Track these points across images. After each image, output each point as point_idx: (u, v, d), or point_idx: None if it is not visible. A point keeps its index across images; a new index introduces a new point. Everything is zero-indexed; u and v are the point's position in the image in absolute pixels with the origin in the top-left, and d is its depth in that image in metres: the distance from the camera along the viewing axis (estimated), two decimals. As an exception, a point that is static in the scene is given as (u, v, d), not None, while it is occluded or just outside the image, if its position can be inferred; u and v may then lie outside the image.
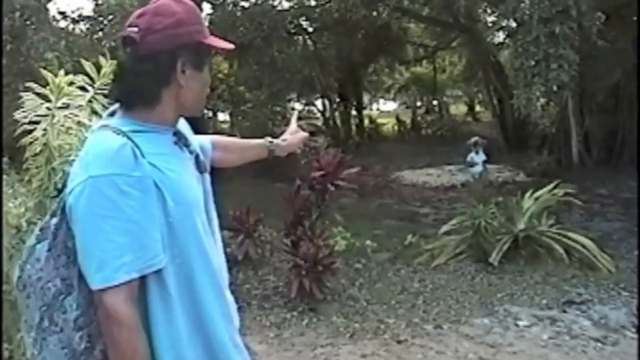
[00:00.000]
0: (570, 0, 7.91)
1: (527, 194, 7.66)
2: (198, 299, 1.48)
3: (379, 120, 26.57)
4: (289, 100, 18.78)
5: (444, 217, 9.24)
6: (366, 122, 25.16)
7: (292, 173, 8.16)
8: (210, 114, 19.78)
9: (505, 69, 18.47)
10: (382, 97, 36.94)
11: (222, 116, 21.78)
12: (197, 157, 1.61)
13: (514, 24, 9.28)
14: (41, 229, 1.43)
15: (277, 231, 7.05)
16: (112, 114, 1.52)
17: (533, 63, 8.17)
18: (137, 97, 1.45)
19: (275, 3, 15.69)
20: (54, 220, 1.41)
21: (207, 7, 14.37)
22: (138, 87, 1.44)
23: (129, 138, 1.38)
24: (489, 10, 18.92)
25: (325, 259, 5.65)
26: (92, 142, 1.42)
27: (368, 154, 17.76)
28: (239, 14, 13.48)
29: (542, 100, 8.47)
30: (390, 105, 38.71)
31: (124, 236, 1.33)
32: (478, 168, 10.97)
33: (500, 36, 19.37)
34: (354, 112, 24.09)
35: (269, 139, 2.07)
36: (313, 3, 18.13)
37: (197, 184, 1.55)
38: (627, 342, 4.79)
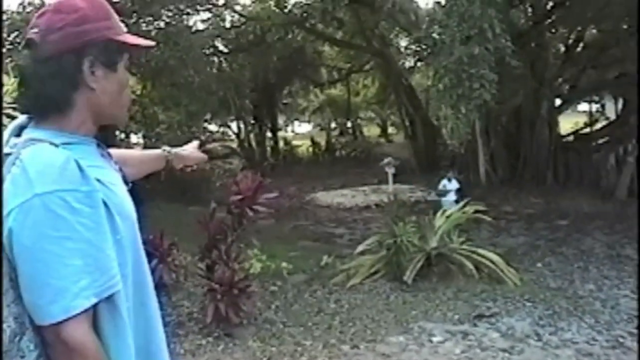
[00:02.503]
0: (486, 23, 8.32)
1: (439, 213, 7.92)
2: (147, 326, 1.38)
3: (294, 142, 26.76)
4: (205, 121, 18.59)
5: (359, 237, 9.36)
6: (281, 143, 25.28)
7: (206, 196, 8.05)
8: (123, 135, 19.22)
9: (417, 92, 19.17)
10: (297, 119, 37.20)
11: (135, 138, 21.24)
12: (120, 170, 1.47)
13: (429, 49, 9.65)
14: None
15: (191, 255, 6.91)
16: (21, 129, 1.35)
17: (456, 83, 8.50)
18: (46, 104, 1.30)
19: (191, 23, 15.58)
20: None
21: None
22: (45, 93, 1.29)
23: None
24: (400, 35, 19.62)
25: (241, 283, 5.57)
26: (29, 158, 1.21)
27: (283, 175, 17.79)
28: (153, 33, 13.26)
29: (461, 125, 8.81)
30: (305, 127, 39.01)
31: (80, 258, 1.17)
32: (451, 197, 10.02)
33: (411, 60, 20.12)
34: (269, 134, 24.15)
35: (167, 148, 1.92)
36: (228, 25, 18.13)
37: (130, 198, 1.42)
38: (531, 350, 5.03)
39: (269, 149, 23.85)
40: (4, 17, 11.82)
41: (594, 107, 20.26)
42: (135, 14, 13.35)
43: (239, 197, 5.59)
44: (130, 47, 1.40)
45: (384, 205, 12.51)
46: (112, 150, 1.59)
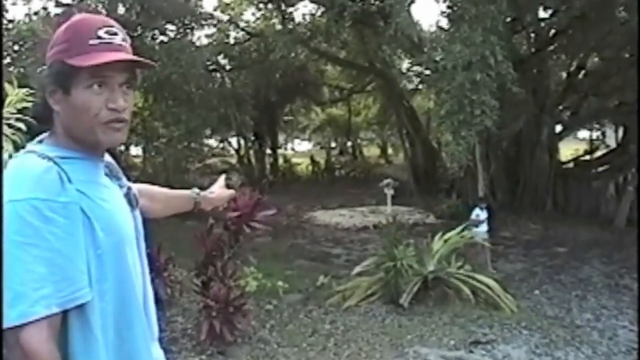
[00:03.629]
0: (487, 50, 8.36)
1: (437, 236, 7.86)
2: (125, 344, 1.36)
3: (294, 160, 26.77)
4: (205, 137, 18.61)
5: (356, 258, 9.32)
6: (280, 161, 25.28)
7: (203, 211, 7.97)
8: (123, 147, 19.22)
9: (418, 114, 19.22)
10: (297, 137, 37.30)
11: (135, 150, 21.29)
12: (128, 191, 1.49)
13: (428, 72, 9.70)
14: None
15: (187, 271, 6.85)
16: (40, 141, 1.40)
17: (458, 109, 8.52)
18: (44, 119, 1.38)
19: (194, 39, 15.65)
20: None
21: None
22: (40, 110, 1.39)
23: (55, 163, 1.28)
24: (403, 57, 19.71)
25: (237, 300, 5.52)
26: (13, 166, 1.28)
27: (281, 193, 17.77)
28: (157, 47, 13.31)
29: (463, 149, 8.81)
30: (305, 146, 39.10)
31: (45, 266, 1.19)
32: (484, 227, 9.34)
33: (414, 82, 20.20)
34: (268, 151, 24.16)
35: (197, 190, 1.98)
36: (232, 41, 18.23)
37: (129, 218, 1.44)
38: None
39: (268, 166, 23.84)
40: (10, 26, 11.90)
41: (595, 134, 20.33)
42: (140, 27, 13.41)
43: (236, 213, 5.55)
44: (84, 69, 1.32)
45: (381, 226, 12.46)
46: (141, 185, 1.68)
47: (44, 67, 1.36)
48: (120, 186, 1.48)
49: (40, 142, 1.39)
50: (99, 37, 1.34)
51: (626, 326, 6.74)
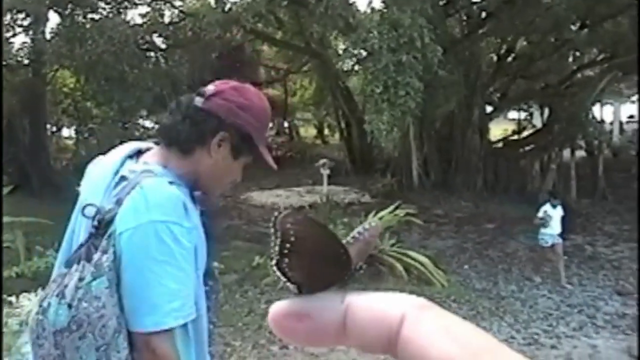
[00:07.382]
0: (415, 33, 8.53)
1: (371, 215, 8.06)
2: (200, 352, 1.55)
3: (231, 141, 26.51)
4: (140, 118, 18.22)
5: (293, 238, 9.40)
6: (218, 141, 25.01)
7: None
8: (54, 129, 18.66)
9: (354, 94, 19.39)
10: (235, 118, 36.92)
11: (67, 132, 20.64)
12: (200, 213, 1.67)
13: (364, 53, 9.81)
14: (95, 266, 1.38)
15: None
16: (140, 152, 1.60)
17: (382, 89, 8.68)
18: (175, 139, 1.54)
19: (128, 18, 15.23)
20: (106, 257, 1.38)
21: (54, 18, 13.64)
22: (181, 131, 1.54)
23: None
24: (339, 38, 19.79)
25: (172, 282, 5.53)
26: (151, 189, 1.43)
27: (219, 174, 17.63)
28: (88, 26, 12.90)
29: (395, 130, 8.99)
30: (242, 126, 38.79)
31: (175, 282, 1.37)
32: (555, 228, 7.74)
33: (349, 63, 20.30)
34: (205, 132, 23.90)
35: None
36: (167, 20, 17.84)
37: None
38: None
39: (205, 147, 23.58)
40: None
41: (523, 115, 21.05)
42: (70, 4, 12.96)
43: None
44: (256, 154, 1.64)
45: (317, 206, 12.62)
46: None
47: (210, 108, 1.57)
48: (200, 209, 1.63)
49: (140, 152, 1.62)
50: (267, 132, 1.71)
51: (545, 295, 7.17)
